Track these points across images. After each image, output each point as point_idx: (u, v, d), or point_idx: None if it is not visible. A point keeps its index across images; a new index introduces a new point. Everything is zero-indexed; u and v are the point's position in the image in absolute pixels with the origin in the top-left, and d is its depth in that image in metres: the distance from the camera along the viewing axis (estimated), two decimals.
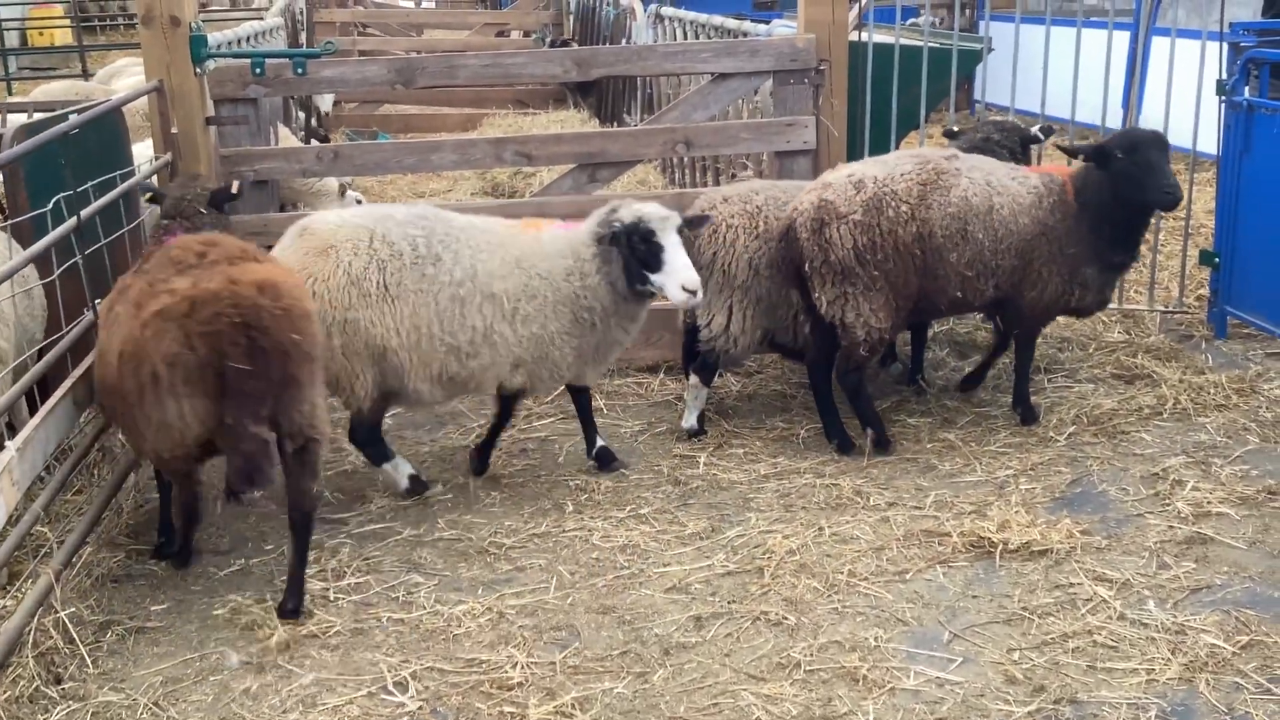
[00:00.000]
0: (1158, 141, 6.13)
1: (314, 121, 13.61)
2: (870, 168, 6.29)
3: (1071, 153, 6.37)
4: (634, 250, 5.67)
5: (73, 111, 6.27)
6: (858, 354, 6.23)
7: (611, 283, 5.77)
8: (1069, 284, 6.30)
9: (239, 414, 4.50)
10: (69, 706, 4.38)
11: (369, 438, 5.95)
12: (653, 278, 5.67)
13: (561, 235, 5.90)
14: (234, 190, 6.13)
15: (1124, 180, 6.09)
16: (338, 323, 5.56)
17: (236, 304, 4.53)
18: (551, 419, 6.90)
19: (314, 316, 4.89)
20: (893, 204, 6.07)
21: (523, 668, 4.55)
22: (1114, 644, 4.54)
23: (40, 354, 5.52)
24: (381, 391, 5.78)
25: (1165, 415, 6.53)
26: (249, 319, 4.51)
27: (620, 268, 5.73)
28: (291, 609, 4.91)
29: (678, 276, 5.63)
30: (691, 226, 5.92)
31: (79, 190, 5.49)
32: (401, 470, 6.00)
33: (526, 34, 20.94)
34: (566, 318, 5.82)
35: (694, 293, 5.63)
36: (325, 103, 13.73)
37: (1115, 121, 11.68)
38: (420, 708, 4.35)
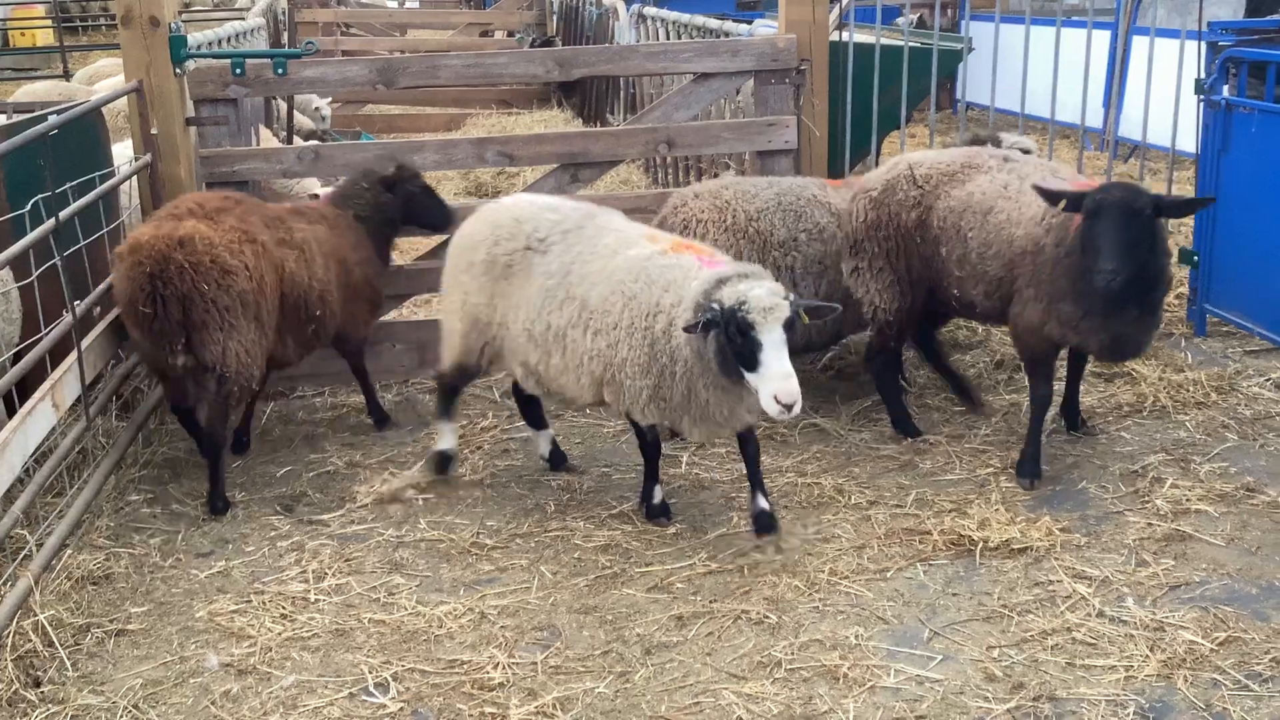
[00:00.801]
0: (1122, 209, 5.24)
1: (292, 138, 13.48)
2: (931, 153, 6.48)
3: (1050, 199, 5.47)
4: (730, 339, 4.83)
5: (53, 112, 6.25)
6: (880, 340, 6.45)
7: (699, 354, 5.04)
8: (1046, 313, 5.64)
9: (155, 346, 5.65)
10: (48, 710, 4.36)
11: (442, 393, 6.14)
12: (747, 375, 4.85)
13: (675, 268, 5.21)
14: (393, 172, 6.69)
15: (1082, 243, 5.40)
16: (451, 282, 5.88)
17: (150, 254, 5.51)
18: None
19: (234, 271, 5.64)
20: (904, 187, 6.19)
21: (504, 668, 4.55)
22: (1093, 641, 4.56)
23: (17, 357, 5.49)
24: (477, 361, 5.89)
25: (1145, 413, 6.56)
26: (154, 269, 5.49)
27: (713, 350, 4.95)
28: (220, 507, 5.87)
29: (771, 385, 4.73)
30: (815, 316, 5.20)
31: (58, 192, 5.46)
32: (443, 431, 6.13)
33: (510, 34, 20.92)
34: (642, 352, 5.20)
35: (789, 407, 4.73)
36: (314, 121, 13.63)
37: (1095, 120, 11.75)
38: (401, 709, 4.35)
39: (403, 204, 6.78)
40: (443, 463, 6.10)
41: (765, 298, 4.78)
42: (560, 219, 5.66)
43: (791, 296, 4.90)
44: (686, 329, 4.96)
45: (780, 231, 6.61)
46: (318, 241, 6.31)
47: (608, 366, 5.31)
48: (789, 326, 4.81)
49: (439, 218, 6.91)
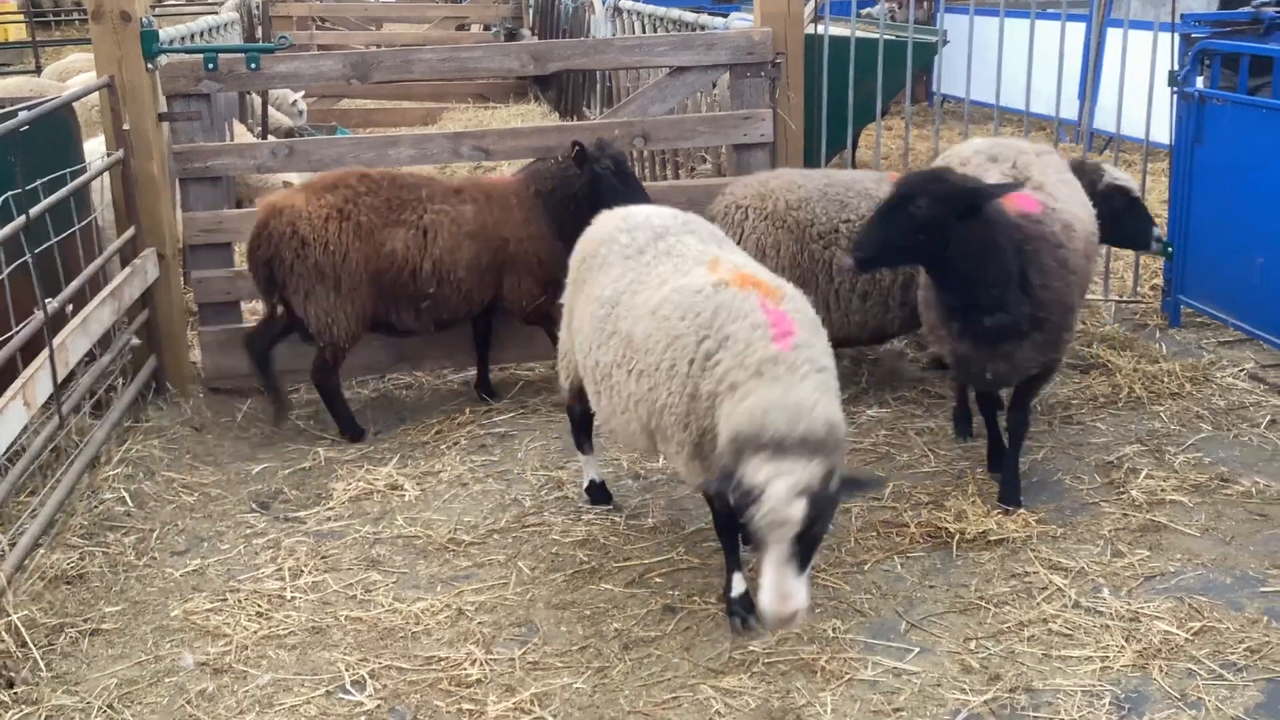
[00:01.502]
0: (897, 190, 5.14)
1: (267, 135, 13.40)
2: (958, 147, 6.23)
3: None
4: (743, 519, 4.04)
5: (23, 108, 6.19)
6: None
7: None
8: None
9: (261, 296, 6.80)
10: (21, 710, 4.32)
11: (572, 422, 5.79)
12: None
13: (727, 310, 4.40)
14: (590, 148, 6.73)
15: None
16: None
17: (257, 219, 6.52)
18: (511, 414, 6.88)
19: (310, 243, 6.39)
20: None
21: (482, 664, 4.54)
22: (1069, 632, 4.58)
23: None
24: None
25: (1120, 404, 6.59)
26: (255, 231, 6.50)
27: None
28: (356, 435, 6.71)
29: (763, 597, 3.96)
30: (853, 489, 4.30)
31: (28, 188, 5.41)
32: (586, 465, 5.84)
33: (486, 27, 20.85)
34: (681, 400, 4.44)
35: (786, 620, 3.99)
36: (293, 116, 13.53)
37: (1070, 112, 11.79)
38: (378, 706, 4.33)
39: (589, 182, 6.66)
40: (599, 493, 5.80)
41: (779, 508, 3.87)
42: (656, 233, 5.01)
43: (829, 484, 3.96)
44: (703, 490, 4.60)
45: (821, 222, 6.52)
46: (454, 222, 6.65)
47: (650, 413, 4.62)
48: (798, 540, 3.92)
49: (626, 203, 6.52)
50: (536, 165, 7.07)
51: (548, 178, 6.86)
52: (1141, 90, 8.02)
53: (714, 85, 8.38)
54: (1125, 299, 8.11)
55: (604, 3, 13.52)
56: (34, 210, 5.43)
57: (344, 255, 6.43)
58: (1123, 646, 4.46)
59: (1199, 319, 7.71)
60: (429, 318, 6.80)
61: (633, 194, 6.59)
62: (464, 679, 4.45)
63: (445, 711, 4.29)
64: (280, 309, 6.66)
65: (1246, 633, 4.52)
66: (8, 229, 5.19)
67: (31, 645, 4.64)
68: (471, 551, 5.41)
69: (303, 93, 13.88)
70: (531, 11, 19.47)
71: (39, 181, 5.70)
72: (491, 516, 5.71)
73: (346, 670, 4.53)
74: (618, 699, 4.33)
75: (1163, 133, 8.12)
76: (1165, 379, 6.78)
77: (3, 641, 4.60)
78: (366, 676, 4.48)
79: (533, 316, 7.00)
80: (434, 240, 6.62)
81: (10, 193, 5.29)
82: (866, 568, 5.11)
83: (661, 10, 11.06)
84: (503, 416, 6.86)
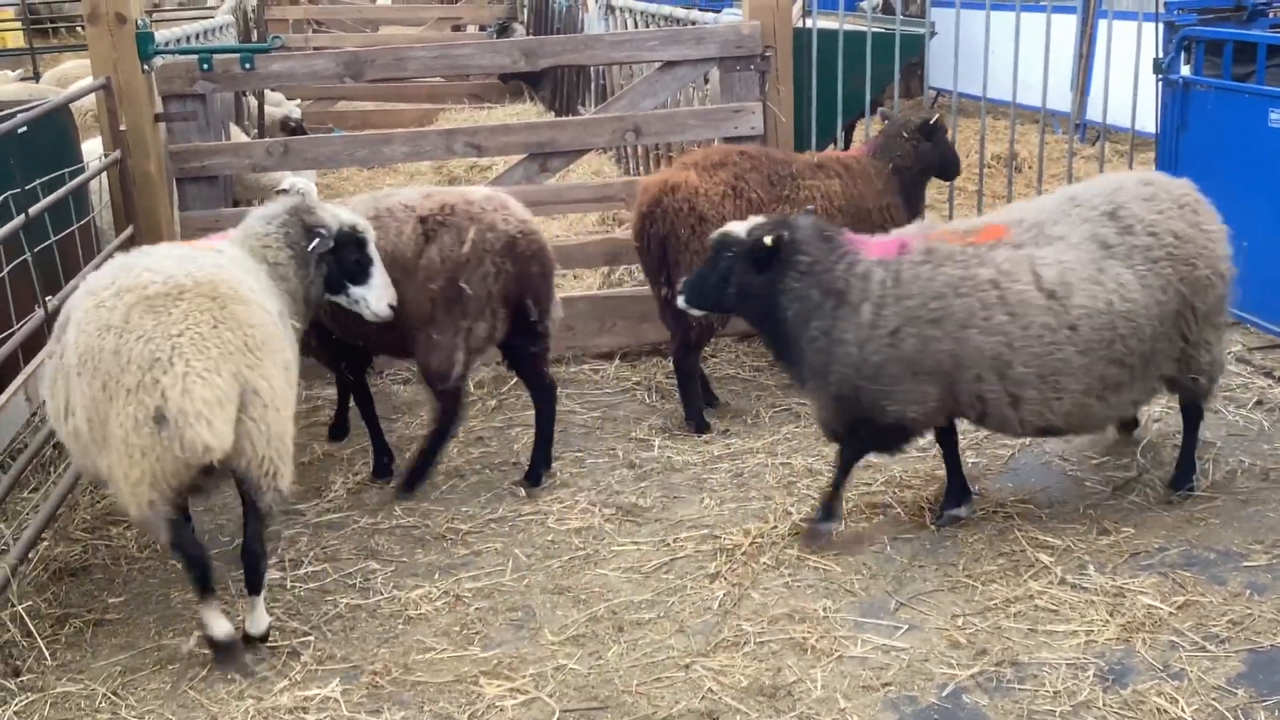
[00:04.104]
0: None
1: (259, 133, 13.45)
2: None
3: None
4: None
5: (21, 110, 6.27)
6: None
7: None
8: None
9: (647, 276, 6.81)
10: (27, 698, 4.41)
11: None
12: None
13: None
14: (933, 121, 6.92)
15: None
16: None
17: (647, 197, 6.53)
18: (511, 411, 6.95)
19: (709, 220, 6.23)
20: None
21: (479, 648, 4.62)
22: (1054, 608, 4.66)
23: None
24: None
25: None
26: (646, 210, 6.49)
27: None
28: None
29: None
30: None
31: (28, 188, 5.49)
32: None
33: (481, 28, 20.92)
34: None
35: None
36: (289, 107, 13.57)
37: (1057, 103, 11.85)
38: (377, 691, 4.41)
39: (939, 152, 6.94)
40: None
41: None
42: None
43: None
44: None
45: None
46: (826, 195, 6.68)
47: None
48: None
49: (952, 169, 7.23)
50: (886, 140, 7.11)
51: (903, 152, 6.94)
52: (1128, 79, 8.09)
53: (705, 79, 8.46)
54: None
55: (597, 1, 13.60)
56: (33, 209, 5.51)
57: None
58: (1107, 620, 4.54)
59: None
60: None
61: (953, 156, 7.15)
62: (462, 662, 4.53)
63: (443, 694, 4.37)
64: (664, 292, 6.44)
65: (1229, 606, 4.60)
66: (8, 228, 5.27)
67: (36, 635, 4.72)
68: (469, 540, 5.49)
69: (296, 101, 13.95)
70: (525, 11, 19.53)
71: (38, 181, 5.78)
72: (488, 506, 5.79)
73: (344, 656, 4.61)
74: (613, 679, 4.41)
75: (1150, 122, 8.19)
76: None
77: (8, 631, 4.70)
78: (365, 662, 4.56)
79: None
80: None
81: (10, 192, 5.37)
82: (858, 549, 5.19)
83: (654, 7, 11.12)
84: (503, 416, 6.91)
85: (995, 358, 4.86)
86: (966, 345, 4.87)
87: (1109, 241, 4.98)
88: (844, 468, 5.25)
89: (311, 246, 5.12)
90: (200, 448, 4.19)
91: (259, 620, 4.67)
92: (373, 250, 5.35)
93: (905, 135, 6.99)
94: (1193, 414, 5.47)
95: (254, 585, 4.64)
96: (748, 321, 5.46)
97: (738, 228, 5.23)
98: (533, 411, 6.52)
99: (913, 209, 7.04)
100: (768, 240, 5.04)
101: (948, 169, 7.24)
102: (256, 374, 4.37)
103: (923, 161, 6.96)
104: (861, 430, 5.17)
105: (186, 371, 4.20)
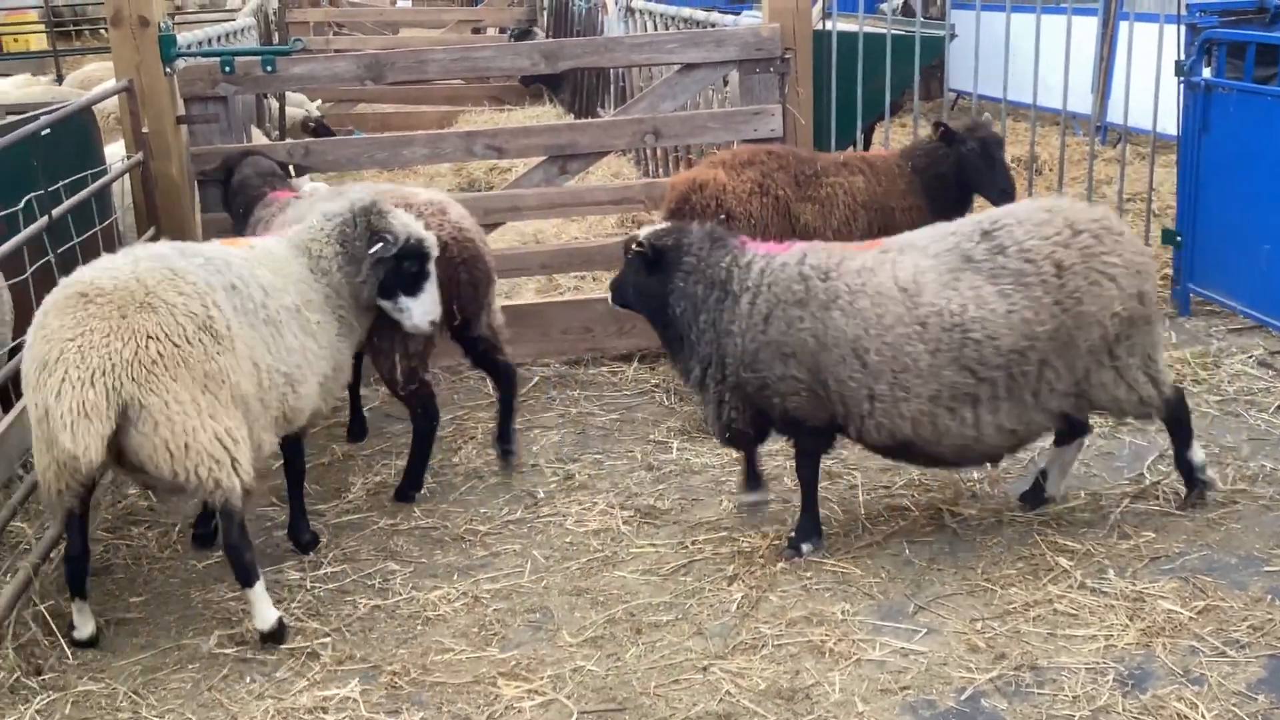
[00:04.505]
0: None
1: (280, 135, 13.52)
2: None
3: None
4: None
5: (44, 112, 6.32)
6: None
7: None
8: None
9: None
10: (49, 696, 4.44)
11: None
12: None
13: None
14: (959, 128, 6.80)
15: None
16: None
17: (675, 194, 6.55)
18: (530, 413, 6.96)
19: (736, 217, 6.35)
20: None
21: (497, 649, 4.63)
22: (1074, 612, 4.64)
23: (11, 355, 5.56)
24: None
25: None
26: (675, 206, 6.49)
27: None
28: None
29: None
30: None
31: (51, 190, 5.54)
32: None
33: (501, 30, 20.97)
34: None
35: None
36: (310, 107, 13.65)
37: (1080, 106, 11.81)
38: (396, 691, 4.42)
39: (956, 160, 6.79)
40: None
41: None
42: None
43: None
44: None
45: None
46: (849, 192, 6.69)
47: None
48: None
49: (990, 187, 6.83)
50: (914, 143, 7.15)
51: (921, 154, 6.92)
52: (1150, 82, 8.06)
53: (724, 81, 8.46)
54: None
55: (617, 3, 13.62)
56: (56, 211, 5.55)
57: (764, 229, 6.37)
58: (1127, 625, 4.52)
59: (1208, 307, 7.75)
60: None
61: (996, 175, 6.80)
62: (480, 663, 4.54)
63: (461, 695, 4.38)
64: None
65: (1250, 611, 4.57)
66: (31, 229, 5.32)
67: (58, 634, 4.75)
68: (487, 541, 5.50)
69: (318, 102, 14.01)
70: (545, 14, 19.58)
71: (61, 183, 5.82)
72: (507, 507, 5.81)
73: (363, 656, 4.62)
74: (630, 681, 4.41)
75: (1171, 125, 8.15)
76: (1176, 366, 6.82)
77: (30, 630, 4.73)
78: (384, 663, 4.58)
79: None
80: (832, 211, 6.66)
81: (33, 194, 5.42)
82: (876, 553, 5.18)
83: (674, 10, 11.14)
84: (521, 419, 6.90)
85: (854, 341, 4.95)
86: (829, 325, 4.98)
87: (973, 256, 4.99)
88: (805, 483, 5.29)
89: (373, 250, 5.20)
90: (66, 454, 4.28)
91: (261, 615, 4.71)
92: (432, 266, 5.40)
93: (929, 140, 6.95)
94: (1171, 429, 5.35)
95: (240, 579, 4.71)
96: (649, 321, 5.52)
97: (641, 232, 5.44)
98: (552, 413, 6.56)
99: (941, 215, 6.93)
100: (644, 245, 5.27)
101: (981, 182, 6.87)
102: (145, 389, 4.35)
103: (937, 166, 6.82)
104: (785, 432, 5.36)
105: (64, 378, 4.26)
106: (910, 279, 4.96)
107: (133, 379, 4.32)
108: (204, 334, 4.48)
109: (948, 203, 6.81)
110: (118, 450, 4.45)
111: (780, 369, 5.05)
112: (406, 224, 5.31)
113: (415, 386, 5.80)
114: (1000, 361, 4.88)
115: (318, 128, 12.90)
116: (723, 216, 6.32)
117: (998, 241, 4.97)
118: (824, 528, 5.35)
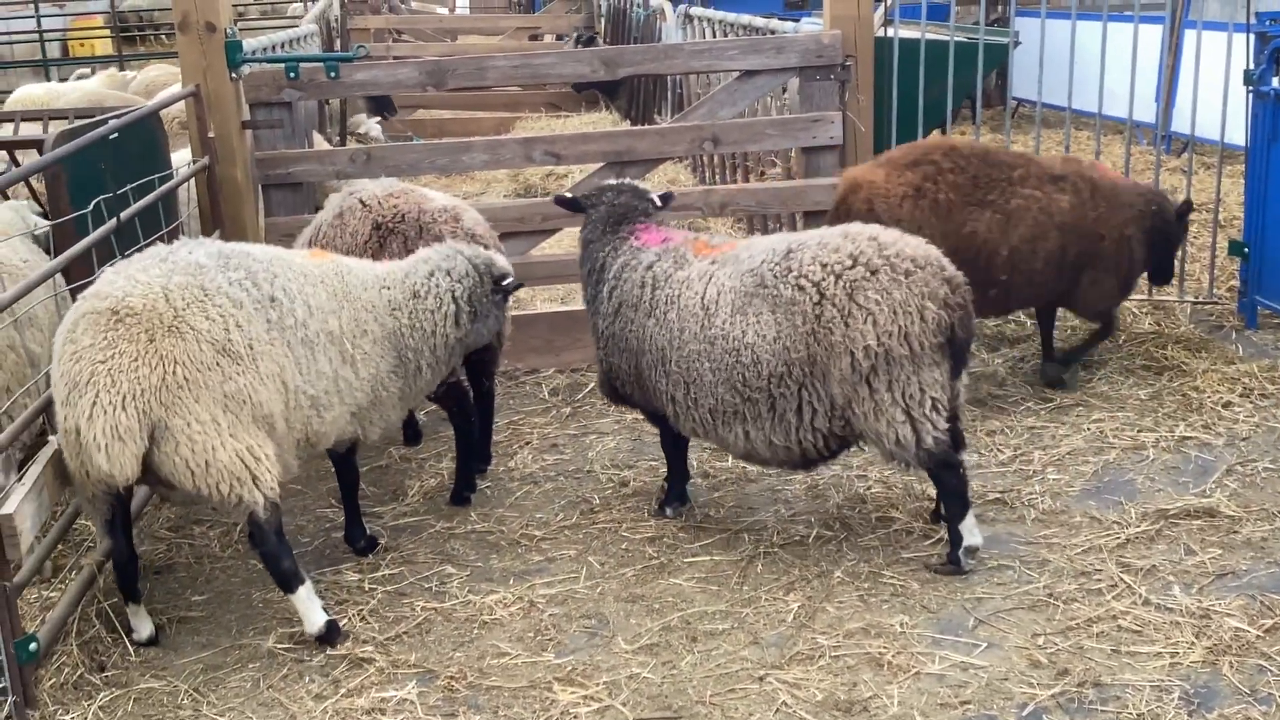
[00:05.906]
0: None
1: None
2: None
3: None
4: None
5: (112, 116, 6.42)
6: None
7: None
8: None
9: None
10: (111, 693, 4.50)
11: None
12: None
13: None
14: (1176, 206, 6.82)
15: None
16: None
17: (838, 197, 6.65)
18: (585, 419, 6.97)
19: (882, 219, 6.11)
20: None
21: (553, 654, 4.63)
22: (1138, 628, 4.57)
23: None
24: None
25: (1194, 406, 6.52)
26: (834, 206, 6.62)
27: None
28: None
29: None
30: None
31: (119, 193, 5.62)
32: None
33: (559, 37, 21.06)
34: None
35: None
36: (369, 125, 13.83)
37: (1145, 114, 11.65)
38: (451, 694, 4.44)
39: (1156, 236, 6.76)
40: None
41: None
42: None
43: None
44: None
45: None
46: (1044, 210, 6.47)
47: None
48: None
49: (1158, 270, 7.01)
50: (1157, 192, 6.98)
51: (1158, 207, 6.73)
52: (1217, 91, 7.94)
53: (783, 89, 8.44)
54: (1200, 300, 8.03)
55: (675, 10, 13.63)
56: (124, 214, 5.63)
57: (928, 235, 5.76)
58: (1193, 643, 4.44)
59: (1276, 320, 7.62)
60: (994, 308, 6.66)
61: (1164, 264, 6.96)
62: (535, 668, 4.55)
63: (517, 700, 4.39)
64: None
65: None
66: (100, 231, 5.39)
67: (121, 631, 4.82)
68: (543, 546, 5.51)
69: (376, 120, 14.15)
70: (603, 20, 19.64)
71: (129, 186, 5.91)
72: (562, 513, 5.81)
73: (420, 659, 4.65)
74: (686, 689, 4.40)
75: (1240, 135, 8.02)
76: (1245, 380, 6.71)
77: (94, 627, 4.80)
78: (440, 666, 4.60)
79: (1102, 315, 6.88)
80: (1016, 226, 6.41)
81: (102, 196, 5.50)
82: (936, 564, 5.13)
83: (732, 16, 11.13)
84: (578, 423, 6.94)
85: (661, 350, 5.32)
86: (647, 332, 5.37)
87: (766, 281, 5.08)
88: (666, 454, 5.79)
89: (505, 283, 5.42)
90: (102, 473, 4.37)
91: (310, 620, 4.75)
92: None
93: (1160, 206, 6.76)
94: (938, 489, 5.24)
95: (281, 585, 4.78)
96: None
97: (570, 189, 5.96)
98: (607, 419, 6.55)
99: (1151, 259, 6.81)
100: (560, 198, 5.93)
101: (1154, 264, 6.89)
102: (172, 412, 4.41)
103: (1144, 229, 6.67)
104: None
105: (95, 401, 4.33)
106: (714, 298, 5.20)
107: (161, 403, 4.40)
108: (223, 356, 4.52)
109: (1153, 256, 6.81)
110: (144, 465, 4.51)
111: (618, 359, 5.54)
112: (494, 257, 5.49)
113: (444, 388, 5.79)
114: (761, 384, 5.04)
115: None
116: (874, 220, 5.94)
117: (789, 264, 5.07)
118: (877, 537, 5.31)
